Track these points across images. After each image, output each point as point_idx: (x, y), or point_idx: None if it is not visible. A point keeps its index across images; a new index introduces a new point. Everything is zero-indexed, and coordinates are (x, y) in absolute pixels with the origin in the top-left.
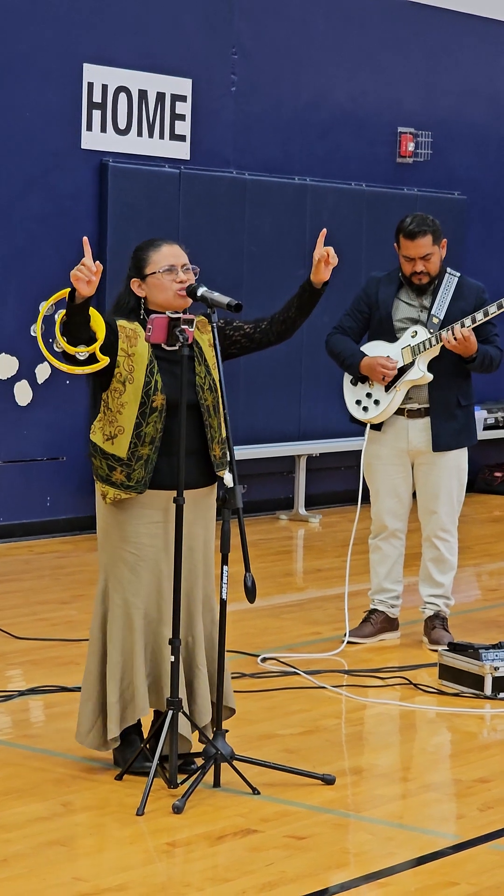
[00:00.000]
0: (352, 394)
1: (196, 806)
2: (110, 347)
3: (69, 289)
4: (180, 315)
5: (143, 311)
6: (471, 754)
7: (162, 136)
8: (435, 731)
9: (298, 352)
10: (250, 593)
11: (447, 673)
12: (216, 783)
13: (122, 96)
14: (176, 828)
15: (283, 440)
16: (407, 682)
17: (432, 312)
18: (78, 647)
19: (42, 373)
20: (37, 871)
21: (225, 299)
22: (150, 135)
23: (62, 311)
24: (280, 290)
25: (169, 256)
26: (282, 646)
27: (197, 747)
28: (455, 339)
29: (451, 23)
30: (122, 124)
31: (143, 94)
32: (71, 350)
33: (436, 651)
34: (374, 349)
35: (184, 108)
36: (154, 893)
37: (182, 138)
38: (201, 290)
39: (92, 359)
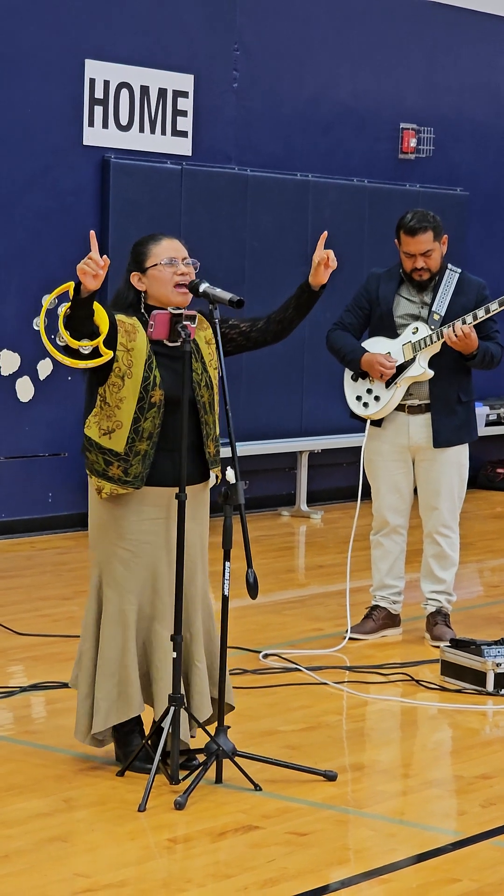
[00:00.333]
0: (352, 390)
1: (197, 802)
2: (111, 342)
3: (72, 283)
4: (182, 311)
5: (142, 306)
6: (472, 751)
7: (164, 133)
8: (437, 728)
9: (300, 348)
10: (252, 589)
11: (449, 669)
12: (218, 779)
13: (124, 92)
14: (177, 824)
15: (285, 436)
16: (409, 678)
17: (433, 309)
18: (79, 643)
19: (44, 369)
20: (38, 867)
21: (227, 295)
22: (152, 131)
23: (65, 305)
24: (282, 287)
25: (170, 249)
26: (283, 642)
27: (194, 744)
28: (456, 335)
29: (453, 19)
30: (123, 120)
31: (144, 90)
32: (75, 344)
33: (438, 647)
34: (375, 345)
35: (186, 105)
36: (155, 889)
37: (184, 134)
38: (203, 287)
39: (95, 353)
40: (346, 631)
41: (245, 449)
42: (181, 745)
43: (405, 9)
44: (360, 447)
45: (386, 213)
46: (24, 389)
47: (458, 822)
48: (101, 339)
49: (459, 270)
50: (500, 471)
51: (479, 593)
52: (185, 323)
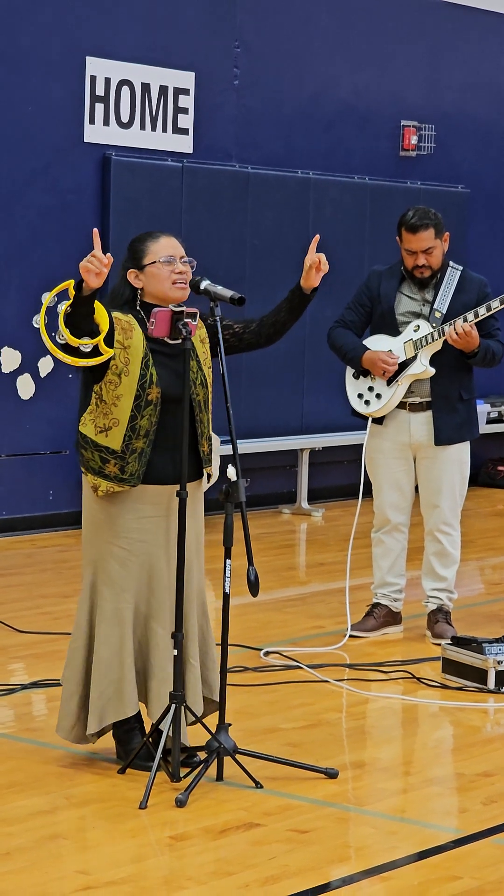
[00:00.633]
0: (354, 387)
1: (199, 800)
2: (111, 340)
3: (72, 280)
4: (183, 308)
5: (139, 303)
6: (474, 748)
7: (165, 130)
8: (438, 726)
9: (301, 346)
10: (253, 587)
11: (450, 667)
12: (219, 777)
13: (125, 90)
14: (178, 821)
15: (286, 434)
16: (410, 675)
17: (434, 306)
18: None
19: (45, 366)
20: (39, 864)
21: (228, 293)
22: (153, 128)
23: (66, 303)
24: (282, 284)
25: (168, 247)
26: (284, 640)
27: (193, 741)
28: (457, 334)
29: (454, 16)
30: (124, 118)
31: (145, 88)
32: (75, 342)
33: (439, 645)
34: (377, 343)
35: (186, 102)
36: (156, 887)
37: (185, 132)
38: (204, 284)
39: (94, 351)
40: (347, 629)
41: (246, 446)
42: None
43: (406, 6)
44: (361, 445)
45: (387, 210)
46: (25, 387)
47: (458, 819)
48: (101, 337)
49: (461, 268)
50: (500, 468)
51: (480, 591)
52: (185, 320)
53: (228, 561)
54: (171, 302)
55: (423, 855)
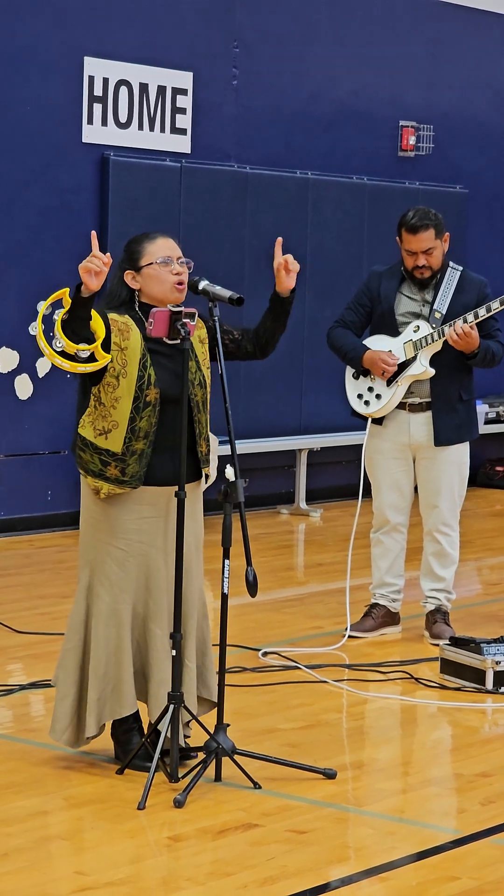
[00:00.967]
0: (353, 388)
1: (197, 800)
2: (107, 345)
3: (67, 289)
4: (182, 308)
5: (136, 304)
6: (472, 749)
7: (163, 130)
8: (436, 726)
9: (299, 346)
10: (252, 587)
11: (448, 667)
12: (217, 777)
13: (123, 90)
14: (177, 822)
15: (284, 434)
16: (408, 676)
17: (434, 307)
18: None
19: (43, 367)
20: (38, 865)
21: (227, 293)
22: (151, 128)
23: (62, 311)
24: None
25: (165, 248)
26: (283, 640)
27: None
28: (457, 334)
29: (453, 16)
30: (122, 118)
31: (143, 88)
32: (72, 348)
33: (437, 645)
34: (377, 343)
35: (185, 102)
36: (154, 888)
37: (183, 132)
38: (203, 284)
39: (92, 357)
40: (346, 629)
41: (244, 447)
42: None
43: (404, 6)
44: (359, 445)
45: (385, 210)
46: (23, 387)
47: (457, 820)
48: (98, 342)
49: (461, 268)
50: (499, 469)
51: (478, 591)
52: (184, 321)
53: (227, 561)
54: (169, 303)
55: (421, 855)
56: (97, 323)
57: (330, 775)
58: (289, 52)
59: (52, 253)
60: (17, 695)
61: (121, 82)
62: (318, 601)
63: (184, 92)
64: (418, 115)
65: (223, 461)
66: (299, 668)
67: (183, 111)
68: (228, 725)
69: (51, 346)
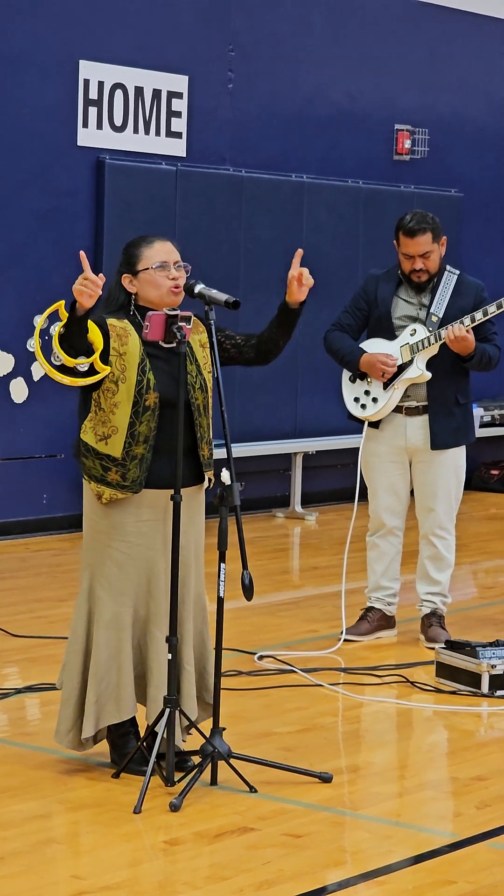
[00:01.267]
0: (350, 391)
1: (193, 804)
2: (105, 356)
3: (62, 301)
4: (178, 312)
5: (133, 308)
6: (468, 752)
7: (158, 134)
8: (432, 729)
9: (295, 349)
10: (248, 591)
11: (444, 671)
12: (213, 781)
13: (119, 93)
14: (173, 826)
15: (280, 438)
16: (404, 679)
17: (431, 310)
18: None
19: (38, 370)
20: (34, 869)
21: (223, 296)
22: (147, 132)
23: (59, 324)
24: (277, 288)
25: (161, 253)
26: (279, 643)
27: (186, 745)
28: (453, 337)
29: (449, 20)
30: (118, 121)
31: (139, 91)
32: (71, 362)
33: (433, 649)
34: (373, 346)
35: (180, 105)
36: (151, 892)
37: (178, 135)
38: (199, 288)
39: (91, 370)
40: (341, 632)
41: (240, 450)
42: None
43: (400, 10)
44: (355, 448)
45: (381, 214)
46: (18, 390)
47: (453, 823)
48: (96, 355)
49: (458, 272)
50: (494, 472)
51: (473, 595)
52: (180, 324)
53: (223, 565)
54: (165, 307)
55: (418, 859)
56: (94, 334)
57: (326, 779)
58: (284, 55)
59: (48, 256)
60: (13, 698)
61: (116, 85)
62: (314, 605)
63: (179, 95)
64: (414, 119)
65: (219, 465)
66: (295, 671)
67: (178, 115)
68: (224, 729)
69: (49, 361)
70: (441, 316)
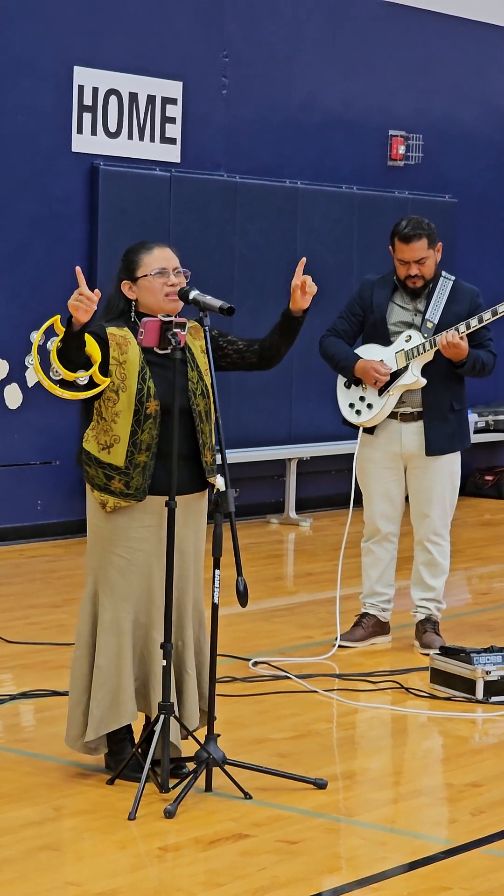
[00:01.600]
0: (345, 397)
1: (188, 810)
2: (105, 368)
3: (58, 316)
4: (172, 318)
5: (133, 314)
6: (462, 758)
7: (153, 140)
8: (427, 736)
9: (289, 355)
10: (242, 597)
11: (439, 677)
12: (208, 788)
13: (113, 99)
14: (168, 832)
15: (274, 444)
16: (398, 686)
17: (426, 317)
18: (69, 650)
19: (32, 376)
20: (28, 875)
21: (217, 303)
22: (141, 138)
23: (56, 339)
24: (271, 295)
25: (160, 259)
26: (273, 650)
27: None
28: (446, 343)
29: (442, 26)
30: (112, 127)
31: (133, 97)
32: (70, 376)
33: (427, 655)
34: (369, 352)
35: (174, 111)
36: None
37: (173, 141)
38: (193, 294)
39: (91, 383)
40: (336, 639)
41: (234, 456)
42: (174, 754)
43: (394, 16)
44: (349, 454)
45: (375, 220)
46: (13, 397)
47: (448, 830)
48: (95, 367)
49: (453, 278)
50: (488, 478)
51: (467, 601)
52: (175, 330)
53: (217, 571)
54: (163, 314)
55: (413, 865)
56: (92, 347)
57: (321, 785)
58: (278, 61)
59: (42, 262)
60: (7, 705)
61: (110, 91)
62: (308, 611)
63: (173, 101)
64: (407, 125)
65: (214, 471)
66: (290, 677)
67: (172, 121)
68: (219, 735)
69: (48, 376)
70: (436, 322)
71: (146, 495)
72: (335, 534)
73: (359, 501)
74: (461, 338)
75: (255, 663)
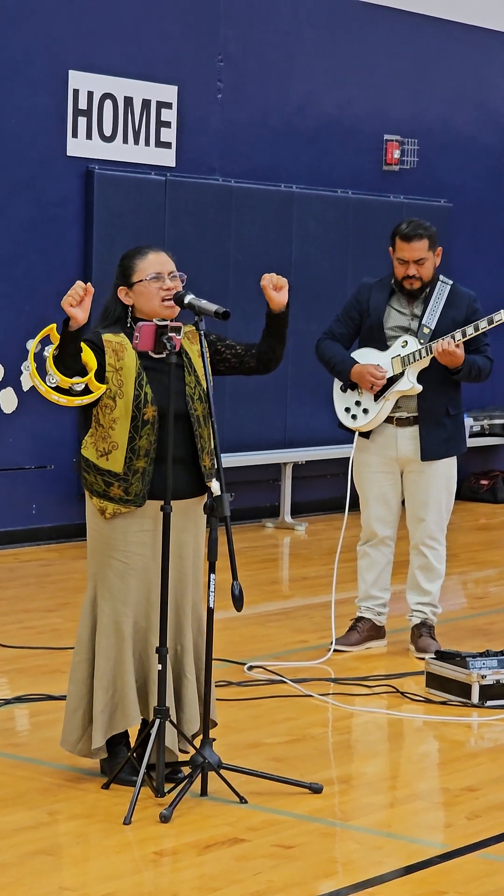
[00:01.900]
0: (341, 401)
1: (183, 815)
2: (101, 375)
3: (54, 325)
4: (167, 322)
5: (129, 320)
6: (458, 763)
7: (148, 144)
8: (422, 740)
9: (284, 359)
10: (238, 601)
11: (434, 681)
12: (203, 792)
13: (108, 103)
14: (163, 837)
15: (269, 448)
16: (394, 690)
17: (423, 322)
18: (63, 655)
19: (28, 380)
20: (23, 880)
21: (213, 307)
22: (136, 142)
23: (52, 347)
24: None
25: (155, 264)
26: (268, 654)
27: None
28: (441, 350)
29: (438, 31)
30: (107, 131)
31: (128, 101)
32: (67, 382)
33: (423, 659)
34: (365, 356)
35: (169, 115)
36: None
37: (168, 145)
38: (188, 298)
39: (87, 390)
40: (331, 643)
41: (229, 460)
42: (171, 758)
43: (390, 20)
44: (345, 459)
45: (370, 224)
46: (8, 401)
47: (444, 834)
48: (91, 375)
49: (451, 282)
50: (483, 482)
51: (463, 605)
52: (170, 335)
53: (213, 575)
54: (159, 318)
55: (408, 870)
56: (87, 355)
57: (316, 790)
58: (274, 65)
59: (37, 266)
60: (1, 709)
61: (105, 96)
62: (304, 615)
63: (168, 105)
64: (403, 129)
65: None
66: (285, 682)
67: (168, 125)
68: (214, 740)
69: (45, 382)
70: (433, 327)
71: (145, 500)
72: (330, 538)
73: (354, 505)
74: (457, 345)
75: (251, 667)
